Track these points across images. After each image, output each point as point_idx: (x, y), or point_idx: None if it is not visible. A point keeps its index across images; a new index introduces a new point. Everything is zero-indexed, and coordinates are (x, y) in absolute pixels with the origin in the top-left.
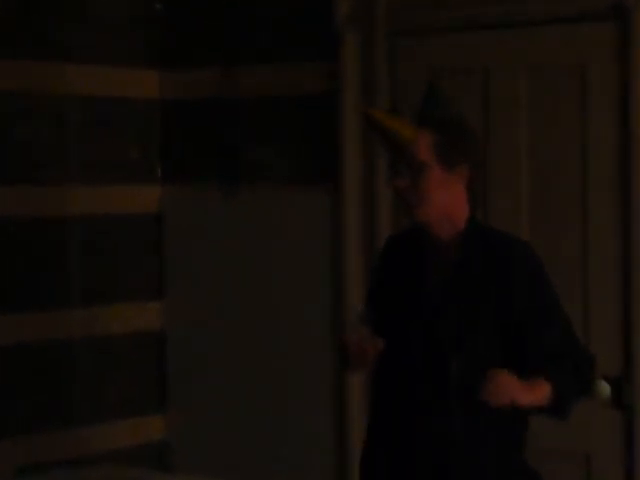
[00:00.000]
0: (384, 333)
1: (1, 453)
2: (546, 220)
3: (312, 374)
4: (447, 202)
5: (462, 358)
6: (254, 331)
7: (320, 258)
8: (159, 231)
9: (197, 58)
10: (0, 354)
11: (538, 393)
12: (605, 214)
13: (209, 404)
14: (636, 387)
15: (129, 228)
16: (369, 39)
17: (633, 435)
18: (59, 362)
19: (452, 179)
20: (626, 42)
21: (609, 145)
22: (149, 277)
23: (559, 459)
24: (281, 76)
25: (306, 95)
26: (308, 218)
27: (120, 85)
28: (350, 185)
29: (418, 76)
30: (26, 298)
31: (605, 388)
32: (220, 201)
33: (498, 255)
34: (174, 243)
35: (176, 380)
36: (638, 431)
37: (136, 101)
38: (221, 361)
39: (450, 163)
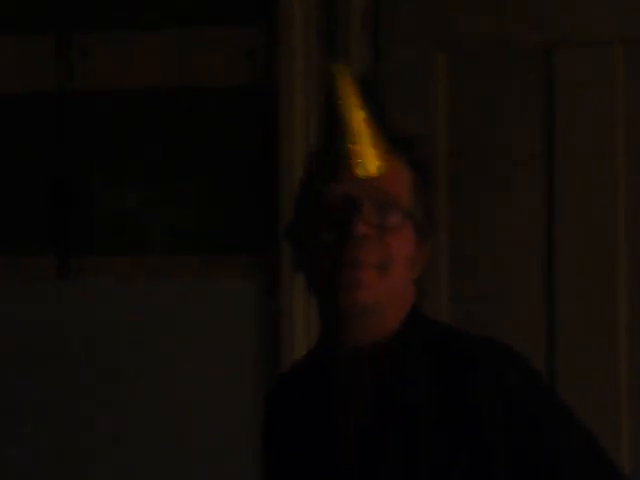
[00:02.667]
0: None
1: None
2: None
3: None
4: (402, 288)
5: None
6: None
7: (240, 375)
8: None
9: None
10: None
11: None
12: None
13: None
14: None
15: None
16: None
17: None
18: None
19: (418, 259)
20: None
21: None
22: None
23: None
24: (170, 56)
25: (217, 89)
26: (217, 310)
27: None
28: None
29: (422, 57)
30: None
31: None
32: (52, 282)
33: (469, 371)
34: None
35: None
36: None
37: None
38: None
39: (423, 231)
